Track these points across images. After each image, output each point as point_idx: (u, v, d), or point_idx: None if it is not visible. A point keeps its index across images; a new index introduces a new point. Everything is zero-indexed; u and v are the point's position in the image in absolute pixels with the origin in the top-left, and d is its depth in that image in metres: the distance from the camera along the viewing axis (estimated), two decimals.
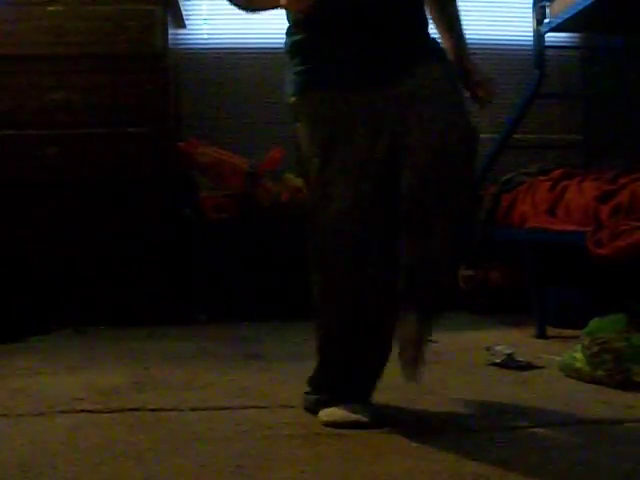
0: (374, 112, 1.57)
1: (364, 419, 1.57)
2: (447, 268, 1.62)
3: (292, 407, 1.72)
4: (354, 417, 1.58)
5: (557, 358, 2.14)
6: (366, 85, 1.58)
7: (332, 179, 1.56)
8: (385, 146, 1.56)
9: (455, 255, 1.65)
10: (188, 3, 3.75)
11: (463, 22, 1.84)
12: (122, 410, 1.71)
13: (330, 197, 1.56)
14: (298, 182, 3.32)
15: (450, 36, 1.82)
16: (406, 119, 1.54)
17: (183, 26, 3.64)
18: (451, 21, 1.82)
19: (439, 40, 1.82)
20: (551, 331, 2.70)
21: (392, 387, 1.91)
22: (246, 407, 1.73)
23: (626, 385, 1.85)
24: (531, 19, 3.43)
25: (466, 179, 1.59)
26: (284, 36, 1.81)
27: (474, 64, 1.83)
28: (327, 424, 1.58)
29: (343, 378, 1.67)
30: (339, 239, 1.57)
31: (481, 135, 3.83)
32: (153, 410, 1.71)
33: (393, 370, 2.13)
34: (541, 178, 2.98)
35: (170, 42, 3.24)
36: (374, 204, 1.56)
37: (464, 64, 1.81)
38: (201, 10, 3.82)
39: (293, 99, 1.67)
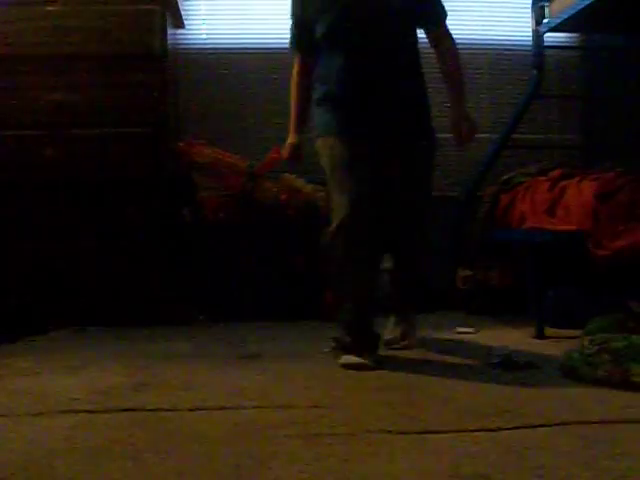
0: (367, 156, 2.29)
1: (365, 361, 2.15)
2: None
3: (292, 407, 1.72)
4: (358, 360, 2.16)
5: (557, 358, 2.13)
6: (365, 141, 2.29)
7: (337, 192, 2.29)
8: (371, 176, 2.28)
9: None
10: (188, 3, 3.75)
11: (462, 78, 2.40)
12: (121, 410, 1.71)
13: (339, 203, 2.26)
14: (297, 182, 3.32)
15: (448, 88, 2.40)
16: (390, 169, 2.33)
17: (182, 26, 3.64)
18: (448, 77, 2.39)
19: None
20: (550, 331, 2.70)
21: (392, 387, 1.92)
22: (246, 407, 1.73)
23: (626, 385, 1.85)
24: (530, 19, 3.44)
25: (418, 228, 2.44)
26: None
27: (463, 115, 2.35)
28: (343, 366, 2.17)
29: (354, 334, 2.27)
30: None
31: (481, 135, 3.86)
32: (152, 410, 1.71)
33: (392, 372, 2.13)
34: (540, 178, 2.99)
35: (170, 42, 3.24)
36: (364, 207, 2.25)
37: (455, 114, 2.36)
38: (200, 10, 3.82)
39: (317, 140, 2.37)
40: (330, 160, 2.30)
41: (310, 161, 3.47)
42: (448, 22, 2.41)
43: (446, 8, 2.40)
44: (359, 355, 2.19)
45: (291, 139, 2.46)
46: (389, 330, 2.53)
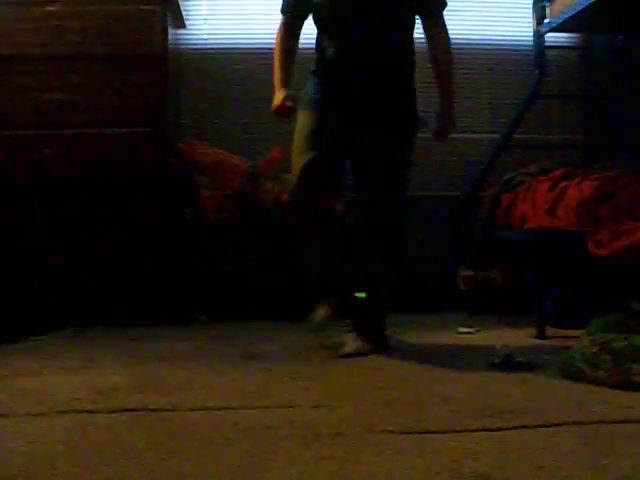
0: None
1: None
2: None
3: (292, 407, 1.72)
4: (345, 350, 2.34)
5: (557, 358, 2.13)
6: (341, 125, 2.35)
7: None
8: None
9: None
10: (188, 3, 3.75)
11: (452, 76, 2.43)
12: (122, 410, 1.70)
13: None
14: None
15: (438, 85, 2.44)
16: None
17: (183, 26, 3.64)
18: (437, 75, 2.43)
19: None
20: (551, 331, 2.70)
21: (392, 387, 1.92)
22: (246, 407, 1.73)
23: (626, 385, 1.85)
24: (531, 19, 3.44)
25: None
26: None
27: (447, 115, 2.43)
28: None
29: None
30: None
31: (481, 135, 3.84)
32: (153, 410, 1.71)
33: (392, 371, 2.13)
34: (541, 178, 2.99)
35: (170, 42, 3.24)
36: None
37: (442, 115, 2.44)
38: (201, 10, 3.82)
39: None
40: (298, 127, 2.38)
41: None
42: (449, 22, 2.42)
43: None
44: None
45: (280, 93, 2.41)
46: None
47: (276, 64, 2.46)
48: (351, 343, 2.37)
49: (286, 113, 2.40)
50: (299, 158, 2.33)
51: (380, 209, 2.36)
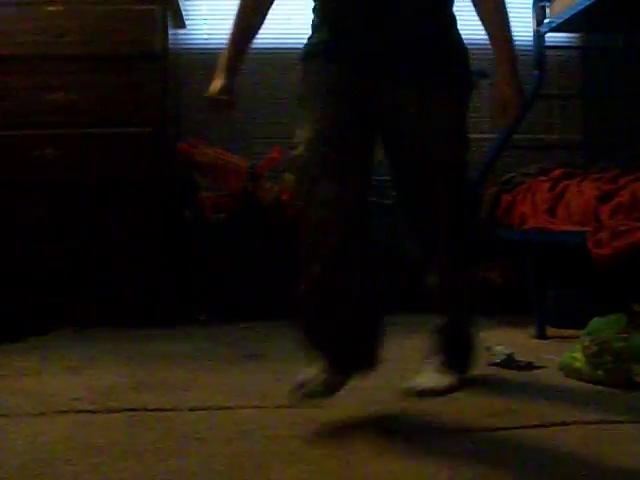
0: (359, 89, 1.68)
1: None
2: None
3: (292, 407, 1.72)
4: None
5: (557, 358, 2.14)
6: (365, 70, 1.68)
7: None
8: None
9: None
10: (188, 3, 3.75)
11: (507, 26, 1.90)
12: (122, 410, 1.71)
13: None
14: None
15: (490, 39, 1.93)
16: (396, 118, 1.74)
17: (183, 26, 3.64)
18: (487, 24, 1.94)
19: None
20: (551, 331, 2.70)
21: (392, 388, 1.92)
22: (246, 407, 1.73)
23: (626, 385, 1.85)
24: (531, 19, 3.43)
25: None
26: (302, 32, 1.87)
27: (506, 79, 1.85)
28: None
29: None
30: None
31: (481, 135, 3.83)
32: (153, 410, 1.71)
33: (391, 372, 2.13)
34: (541, 178, 2.98)
35: (170, 42, 3.24)
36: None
37: (497, 76, 1.88)
38: (201, 10, 3.82)
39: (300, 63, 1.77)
40: (305, 87, 1.73)
41: None
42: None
43: None
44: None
45: (219, 79, 1.89)
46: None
47: (230, 37, 1.88)
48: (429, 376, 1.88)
49: (218, 107, 1.91)
50: (309, 124, 1.64)
51: (437, 204, 1.80)
